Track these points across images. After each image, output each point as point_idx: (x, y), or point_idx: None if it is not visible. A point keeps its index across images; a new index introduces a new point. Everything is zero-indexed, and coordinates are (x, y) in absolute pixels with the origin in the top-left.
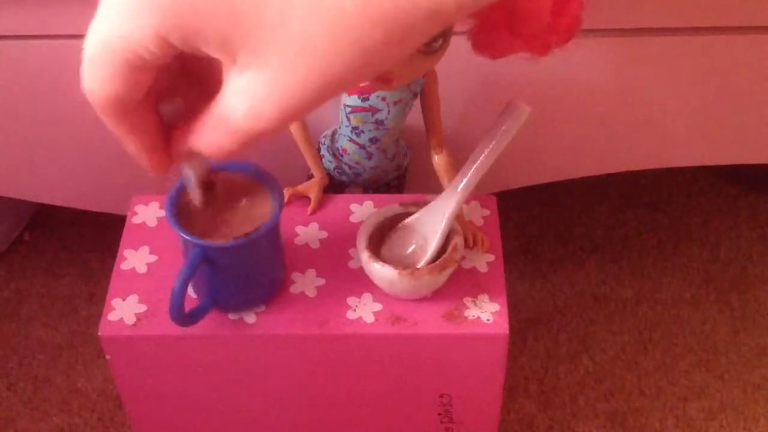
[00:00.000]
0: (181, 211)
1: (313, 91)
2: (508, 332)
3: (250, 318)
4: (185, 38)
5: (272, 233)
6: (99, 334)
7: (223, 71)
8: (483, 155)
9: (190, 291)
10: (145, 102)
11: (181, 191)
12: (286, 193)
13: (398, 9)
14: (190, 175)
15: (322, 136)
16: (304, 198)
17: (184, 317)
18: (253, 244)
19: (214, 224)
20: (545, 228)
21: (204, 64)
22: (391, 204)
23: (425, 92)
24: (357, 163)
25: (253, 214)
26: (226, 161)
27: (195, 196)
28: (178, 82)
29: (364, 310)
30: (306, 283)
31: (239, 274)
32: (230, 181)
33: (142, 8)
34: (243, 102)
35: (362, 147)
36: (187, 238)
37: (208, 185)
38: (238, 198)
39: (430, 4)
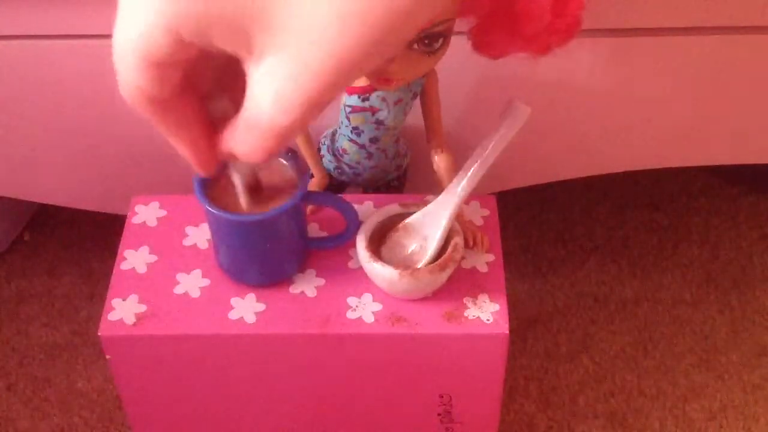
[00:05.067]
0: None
1: (333, 75)
2: (508, 332)
3: (250, 318)
4: (197, 32)
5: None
6: (99, 334)
7: (246, 69)
8: (483, 155)
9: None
10: (183, 98)
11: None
12: None
13: None
14: (237, 180)
15: (322, 136)
16: None
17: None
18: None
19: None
20: (545, 228)
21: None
22: (391, 204)
23: (425, 92)
24: (357, 163)
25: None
26: None
27: (242, 199)
28: (225, 80)
29: (364, 310)
30: (306, 283)
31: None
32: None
33: (151, 4)
34: (267, 93)
35: (362, 147)
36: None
37: (254, 187)
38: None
39: None
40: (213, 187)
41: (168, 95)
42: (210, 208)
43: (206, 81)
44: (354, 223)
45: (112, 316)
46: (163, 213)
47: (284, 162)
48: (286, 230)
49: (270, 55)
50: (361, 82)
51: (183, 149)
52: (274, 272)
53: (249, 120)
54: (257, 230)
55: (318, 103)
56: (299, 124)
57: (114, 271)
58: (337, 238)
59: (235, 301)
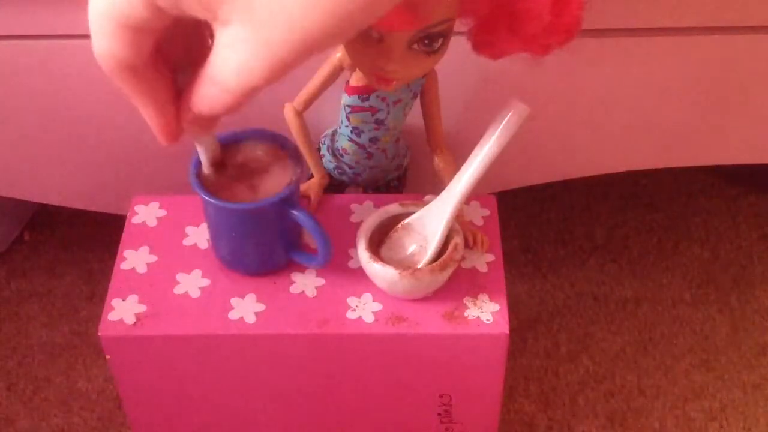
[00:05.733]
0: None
1: (294, 52)
2: (508, 332)
3: (250, 318)
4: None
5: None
6: (99, 334)
7: (214, 30)
8: (483, 155)
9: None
10: (154, 66)
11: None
12: None
13: None
14: (202, 154)
15: (322, 136)
16: (304, 198)
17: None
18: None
19: (237, 190)
20: (545, 228)
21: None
22: (391, 204)
23: (425, 92)
24: (357, 163)
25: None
26: (250, 132)
27: (208, 174)
28: (193, 54)
29: (364, 310)
30: (306, 283)
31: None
32: (251, 150)
33: None
34: (231, 57)
35: (362, 147)
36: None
37: (219, 165)
38: (257, 166)
39: None
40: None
41: (140, 62)
42: (204, 195)
43: (176, 51)
44: (324, 255)
45: (112, 316)
46: (163, 213)
47: (281, 153)
48: (276, 221)
49: (236, 23)
50: (361, 82)
51: (150, 116)
52: (267, 261)
53: (212, 78)
54: (247, 218)
55: (279, 73)
56: (259, 89)
57: (114, 271)
58: (311, 259)
59: (235, 301)
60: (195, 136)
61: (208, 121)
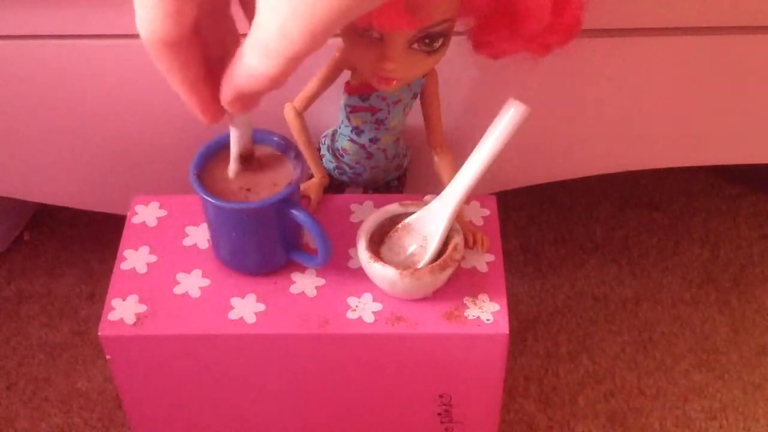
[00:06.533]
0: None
1: (335, 6)
2: (508, 332)
3: (250, 318)
4: None
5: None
6: (99, 334)
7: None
8: (483, 155)
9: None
10: (188, 42)
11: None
12: None
13: None
14: (234, 142)
15: (322, 136)
16: (304, 198)
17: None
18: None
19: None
20: (545, 228)
21: None
22: (391, 204)
23: (425, 92)
24: (357, 163)
25: (272, 179)
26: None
27: (234, 166)
28: (226, 38)
29: (364, 310)
30: (306, 283)
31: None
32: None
33: None
34: (271, 21)
35: (362, 147)
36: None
37: (246, 158)
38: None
39: None
40: (209, 177)
41: (179, 37)
42: (204, 195)
43: (213, 33)
44: (324, 255)
45: (112, 316)
46: (163, 213)
47: (281, 153)
48: (276, 221)
49: None
50: (361, 81)
51: (183, 93)
52: (267, 261)
53: (252, 46)
54: (247, 218)
55: (319, 38)
56: (299, 58)
57: (114, 271)
58: (311, 259)
59: (235, 301)
60: (234, 118)
61: (248, 98)
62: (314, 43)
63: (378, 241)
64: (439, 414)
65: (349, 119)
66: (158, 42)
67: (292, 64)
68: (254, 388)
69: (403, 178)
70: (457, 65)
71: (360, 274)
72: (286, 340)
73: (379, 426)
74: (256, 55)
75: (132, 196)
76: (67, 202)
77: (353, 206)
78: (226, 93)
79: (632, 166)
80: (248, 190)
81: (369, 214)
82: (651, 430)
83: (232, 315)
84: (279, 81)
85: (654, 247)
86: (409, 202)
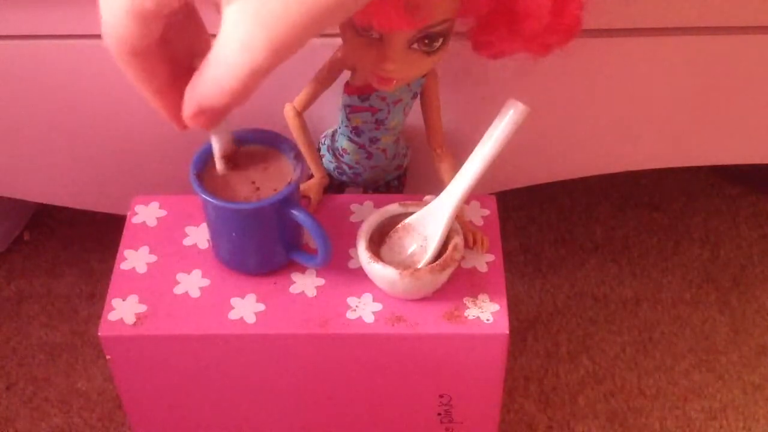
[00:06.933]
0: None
1: (296, 21)
2: (508, 332)
3: (250, 318)
4: None
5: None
6: (99, 334)
7: (221, 12)
8: (483, 155)
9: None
10: (155, 51)
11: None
12: None
13: None
14: (215, 147)
15: (322, 136)
16: (304, 198)
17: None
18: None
19: (234, 189)
20: (545, 228)
21: None
22: (391, 204)
23: (425, 92)
24: (357, 163)
25: (271, 177)
26: (250, 132)
27: (219, 166)
28: (195, 46)
29: (364, 310)
30: (306, 283)
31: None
32: (251, 151)
33: None
34: (234, 34)
35: (362, 147)
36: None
37: (231, 158)
38: (256, 166)
39: None
40: (209, 177)
41: (146, 47)
42: (204, 195)
43: (180, 43)
44: (323, 255)
45: (112, 316)
46: (163, 213)
47: (283, 154)
48: (276, 221)
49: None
50: (361, 81)
51: (150, 99)
52: (267, 261)
53: (216, 58)
54: (247, 218)
55: (281, 52)
56: (263, 72)
57: (114, 271)
58: (311, 259)
59: (235, 301)
60: (208, 128)
61: (211, 113)
62: (277, 57)
63: (378, 242)
64: (439, 414)
65: (348, 119)
66: (124, 51)
67: (255, 79)
68: (254, 388)
69: (403, 178)
70: (457, 65)
71: (360, 274)
72: (286, 340)
73: (379, 426)
74: (219, 68)
75: (132, 196)
76: (67, 202)
77: (353, 206)
78: (189, 107)
79: (632, 166)
80: (249, 189)
81: (369, 214)
82: (651, 430)
83: (232, 315)
84: (242, 96)
85: (654, 247)
86: (409, 202)
